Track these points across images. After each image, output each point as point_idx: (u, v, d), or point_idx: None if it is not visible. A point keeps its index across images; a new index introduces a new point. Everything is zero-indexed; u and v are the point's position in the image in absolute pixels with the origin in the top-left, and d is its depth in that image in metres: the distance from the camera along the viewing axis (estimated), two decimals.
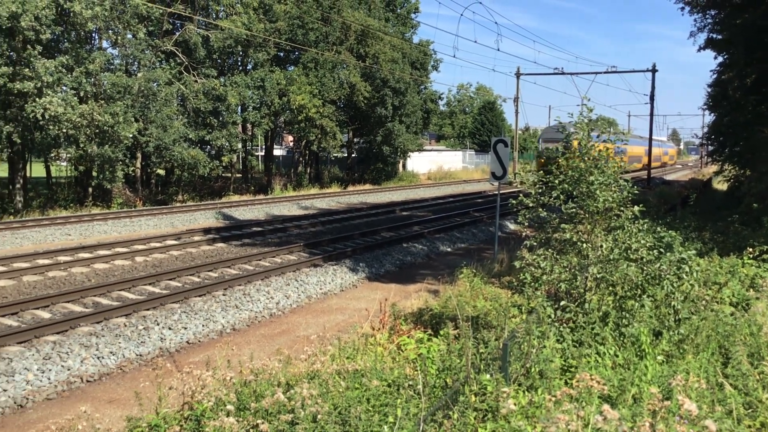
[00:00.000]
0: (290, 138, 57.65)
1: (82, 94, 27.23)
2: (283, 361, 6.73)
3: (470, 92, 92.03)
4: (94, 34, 31.01)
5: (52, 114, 24.86)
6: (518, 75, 53.78)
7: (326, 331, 10.53)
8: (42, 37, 24.92)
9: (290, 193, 38.95)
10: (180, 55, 34.65)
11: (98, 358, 9.05)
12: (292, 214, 27.95)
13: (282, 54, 43.48)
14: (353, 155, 51.09)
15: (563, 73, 49.82)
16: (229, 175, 42.93)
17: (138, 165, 34.08)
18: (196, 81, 34.66)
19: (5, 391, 7.88)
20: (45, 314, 10.87)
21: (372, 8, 45.59)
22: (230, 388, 5.88)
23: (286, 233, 21.45)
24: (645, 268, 7.62)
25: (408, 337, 8.33)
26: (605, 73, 48.68)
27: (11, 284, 13.15)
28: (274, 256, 16.66)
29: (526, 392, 5.66)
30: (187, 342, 10.28)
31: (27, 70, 24.99)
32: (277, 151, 59.49)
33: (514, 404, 4.83)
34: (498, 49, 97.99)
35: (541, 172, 8.95)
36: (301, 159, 48.73)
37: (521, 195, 8.37)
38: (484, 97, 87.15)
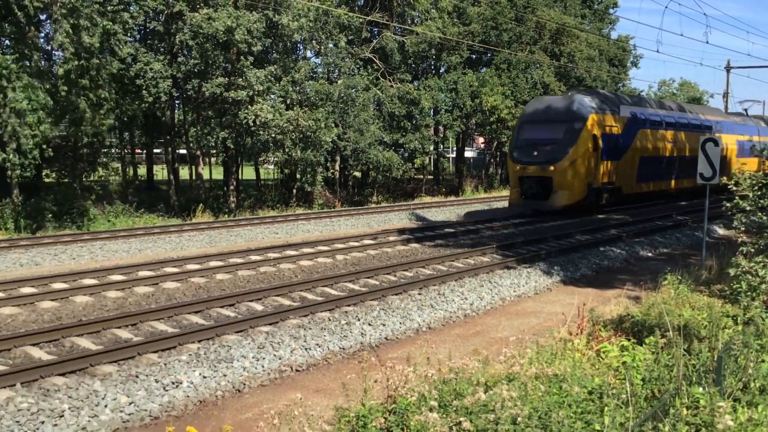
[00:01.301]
0: (481, 140, 57.70)
1: (288, 101, 29.11)
2: (481, 361, 6.79)
3: (673, 88, 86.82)
4: (299, 45, 33.06)
5: (262, 120, 26.83)
6: (728, 68, 49.95)
7: (521, 333, 10.46)
8: (253, 49, 26.97)
9: (481, 195, 39.00)
10: (377, 61, 35.94)
11: (306, 349, 9.64)
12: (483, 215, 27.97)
13: (474, 56, 43.69)
14: None
15: None
16: (421, 176, 43.86)
17: (336, 168, 35.82)
18: (391, 86, 35.78)
19: (225, 376, 8.60)
20: (258, 306, 11.76)
21: (568, 5, 44.53)
22: (431, 384, 6.04)
23: (478, 235, 21.50)
24: None
25: (609, 343, 8.07)
26: None
27: (228, 278, 14.34)
28: (467, 258, 16.78)
29: (745, 408, 5.29)
30: (386, 338, 10.65)
31: (240, 79, 27.16)
32: (468, 153, 59.81)
33: (731, 420, 4.55)
34: (707, 42, 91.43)
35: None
36: (492, 160, 48.62)
37: (736, 197, 7.82)
38: (689, 93, 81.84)
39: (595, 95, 26.90)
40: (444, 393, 5.88)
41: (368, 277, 14.21)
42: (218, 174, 43.17)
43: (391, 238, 19.92)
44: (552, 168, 24.15)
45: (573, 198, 24.41)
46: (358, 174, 41.68)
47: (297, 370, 9.11)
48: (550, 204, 24.50)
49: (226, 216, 28.08)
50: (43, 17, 25.51)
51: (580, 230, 21.40)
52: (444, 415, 5.15)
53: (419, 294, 12.77)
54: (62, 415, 7.07)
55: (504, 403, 5.26)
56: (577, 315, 9.52)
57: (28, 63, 23.53)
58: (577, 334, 9.01)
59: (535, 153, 24.76)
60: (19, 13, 22.14)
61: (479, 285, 13.76)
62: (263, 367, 8.96)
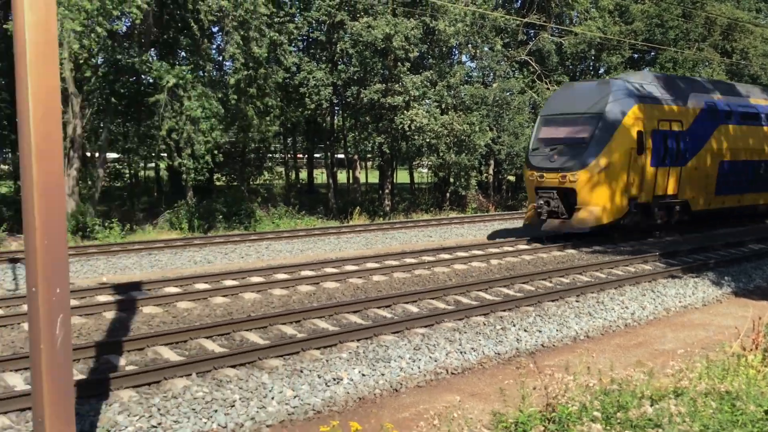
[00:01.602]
0: None
1: (443, 105, 29.33)
2: (646, 373, 6.54)
3: None
4: (454, 50, 33.21)
5: (418, 125, 27.21)
6: None
7: (688, 346, 9.94)
8: (410, 55, 27.43)
9: None
10: (533, 63, 35.40)
11: (461, 352, 9.69)
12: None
13: (637, 55, 41.90)
14: None
15: None
16: None
17: (490, 172, 35.64)
18: (547, 88, 35.09)
19: (383, 375, 8.81)
20: (413, 308, 11.95)
21: None
22: (592, 395, 5.89)
23: (638, 241, 20.61)
24: None
25: None
26: None
27: (384, 279, 14.67)
28: (626, 265, 16.16)
29: None
30: (542, 345, 10.48)
31: (397, 85, 27.70)
32: None
33: None
34: None
35: None
36: None
37: None
38: None
39: (643, 79, 20.81)
40: (606, 404, 5.73)
41: (523, 283, 14.04)
42: (374, 178, 44.22)
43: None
44: (575, 177, 18.42)
45: (606, 216, 18.65)
46: (512, 178, 41.21)
47: (452, 373, 9.17)
48: (574, 224, 18.97)
49: (381, 219, 28.71)
50: (215, 30, 27.36)
51: (753, 238, 20.00)
52: (607, 427, 5.02)
53: (576, 301, 12.46)
54: (233, 405, 7.54)
55: (672, 418, 5.05)
56: (751, 329, 8.91)
57: (201, 73, 25.31)
58: (751, 349, 8.43)
59: (555, 157, 19.02)
60: (194, 27, 23.85)
61: (641, 294, 13.23)
62: (419, 368, 9.09)
